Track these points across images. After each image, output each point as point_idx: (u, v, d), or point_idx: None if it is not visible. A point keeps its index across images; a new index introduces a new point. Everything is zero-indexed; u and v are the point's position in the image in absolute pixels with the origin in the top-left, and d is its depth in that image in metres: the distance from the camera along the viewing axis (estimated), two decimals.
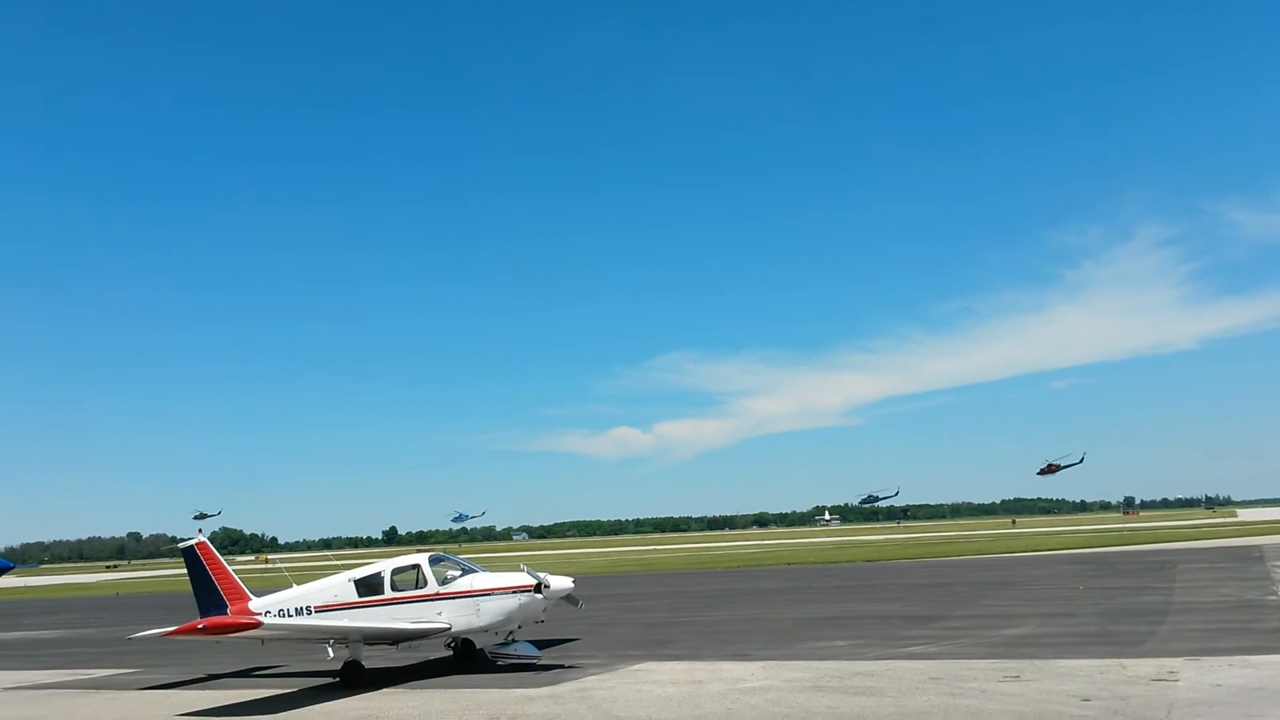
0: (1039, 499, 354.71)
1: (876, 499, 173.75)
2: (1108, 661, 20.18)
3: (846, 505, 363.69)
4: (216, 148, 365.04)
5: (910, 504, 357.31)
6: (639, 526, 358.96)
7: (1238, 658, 19.92)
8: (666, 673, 22.01)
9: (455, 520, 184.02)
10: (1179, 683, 17.41)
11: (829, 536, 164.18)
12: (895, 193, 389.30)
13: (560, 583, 24.53)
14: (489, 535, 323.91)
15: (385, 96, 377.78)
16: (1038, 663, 20.50)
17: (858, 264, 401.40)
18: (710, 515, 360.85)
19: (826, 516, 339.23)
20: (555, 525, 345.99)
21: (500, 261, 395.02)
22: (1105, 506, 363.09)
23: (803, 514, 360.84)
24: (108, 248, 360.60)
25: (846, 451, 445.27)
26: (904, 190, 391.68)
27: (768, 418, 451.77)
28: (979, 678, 18.98)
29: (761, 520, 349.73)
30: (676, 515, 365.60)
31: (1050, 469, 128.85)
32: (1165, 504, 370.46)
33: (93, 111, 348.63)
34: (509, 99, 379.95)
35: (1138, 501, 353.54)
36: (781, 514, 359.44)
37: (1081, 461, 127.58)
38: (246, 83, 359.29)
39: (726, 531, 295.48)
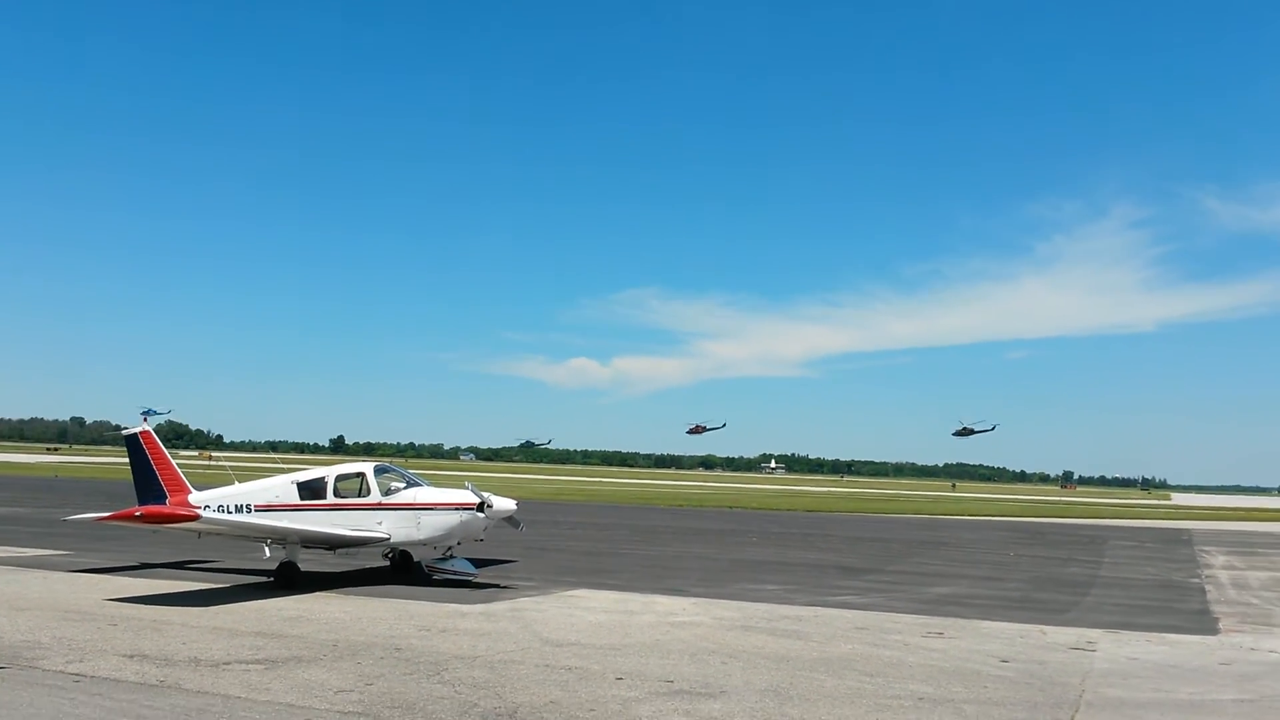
0: (980, 465, 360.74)
1: (972, 430, 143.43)
2: (1029, 627, 20.65)
3: (793, 455, 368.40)
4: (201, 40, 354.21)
5: (855, 459, 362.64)
6: (587, 458, 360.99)
7: (1155, 635, 20.46)
8: (600, 601, 22.25)
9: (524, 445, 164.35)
10: (1096, 653, 17.86)
11: (773, 484, 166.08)
12: (875, 151, 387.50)
13: (503, 504, 24.65)
14: (436, 453, 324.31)
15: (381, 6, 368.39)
16: (962, 622, 20.95)
17: (831, 218, 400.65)
18: (659, 453, 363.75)
19: (772, 465, 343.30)
20: (503, 449, 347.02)
21: (476, 181, 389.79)
22: (1044, 479, 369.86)
23: (750, 460, 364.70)
24: (85, 130, 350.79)
25: (800, 402, 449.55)
26: (883, 149, 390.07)
27: (726, 361, 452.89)
28: (904, 631, 19.37)
29: (708, 463, 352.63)
30: (625, 450, 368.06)
31: (965, 432, 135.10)
32: (1103, 481, 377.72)
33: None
34: (496, 20, 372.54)
35: (1075, 476, 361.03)
36: (729, 458, 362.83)
37: (993, 429, 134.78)
38: None
39: (673, 470, 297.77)
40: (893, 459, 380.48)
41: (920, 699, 13.49)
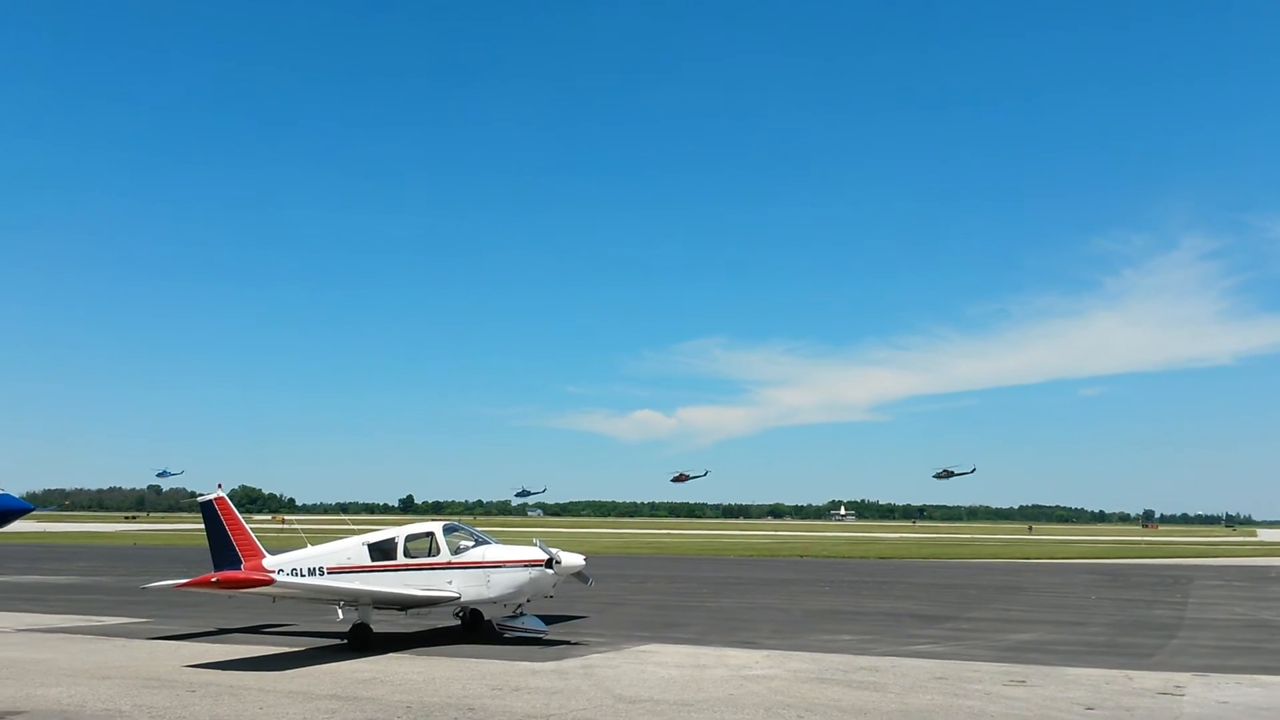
0: (1057, 506, 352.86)
1: (952, 473, 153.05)
2: (1115, 672, 20.05)
3: (863, 501, 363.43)
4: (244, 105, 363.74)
5: (927, 504, 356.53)
6: (654, 510, 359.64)
7: (1246, 676, 19.76)
8: (671, 655, 22.06)
9: (519, 496, 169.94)
10: (1185, 698, 17.28)
11: (844, 531, 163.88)
12: (936, 190, 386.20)
13: (571, 560, 24.65)
14: (504, 510, 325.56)
15: (403, 65, 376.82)
16: (1044, 669, 20.40)
17: (893, 260, 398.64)
18: (726, 503, 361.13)
19: (842, 512, 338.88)
20: (571, 504, 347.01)
21: (536, 234, 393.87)
22: (1124, 518, 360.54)
23: (819, 508, 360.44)
24: (129, 199, 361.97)
25: (868, 447, 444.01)
26: (944, 188, 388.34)
27: (791, 409, 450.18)
28: (984, 680, 18.92)
29: (777, 511, 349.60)
30: (692, 501, 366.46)
31: (945, 474, 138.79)
32: (1185, 519, 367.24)
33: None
34: (544, 71, 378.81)
35: (1157, 515, 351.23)
36: (797, 506, 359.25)
37: (973, 472, 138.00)
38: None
39: (741, 520, 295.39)
40: (965, 502, 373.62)
41: None
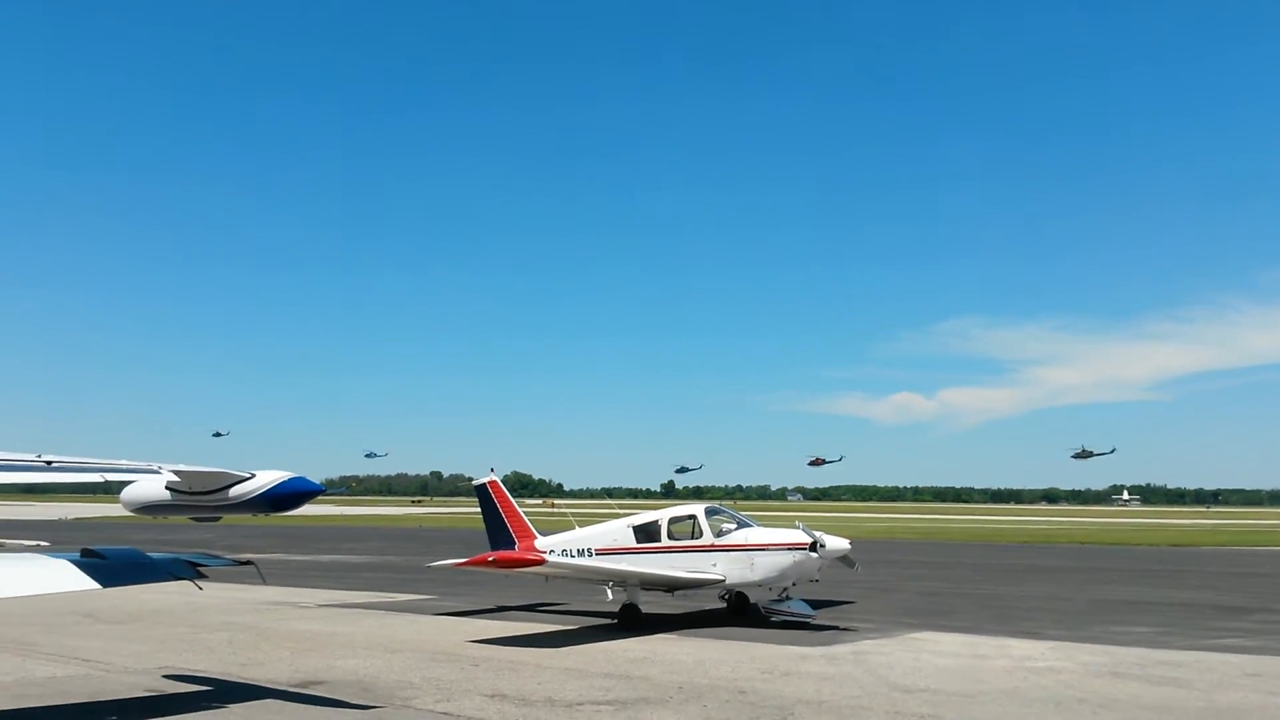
0: None
1: (1091, 453, 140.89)
2: None
3: (1147, 485, 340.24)
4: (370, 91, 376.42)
5: (1221, 488, 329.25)
6: (918, 495, 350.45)
7: None
8: (947, 644, 21.13)
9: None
10: None
11: (1127, 517, 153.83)
12: (1220, 144, 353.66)
13: (836, 543, 24.14)
14: (763, 494, 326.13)
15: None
16: None
17: (1172, 224, 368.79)
18: (995, 488, 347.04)
19: (1125, 496, 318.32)
20: (831, 488, 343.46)
21: (784, 212, 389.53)
22: None
23: (1098, 492, 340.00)
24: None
25: (1149, 428, 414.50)
26: (1230, 141, 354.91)
27: (1062, 388, 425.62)
28: None
29: (1051, 496, 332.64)
30: (958, 485, 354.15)
31: (1084, 454, 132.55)
32: None
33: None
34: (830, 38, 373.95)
35: None
36: (1074, 490, 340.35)
37: (1112, 452, 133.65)
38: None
39: (1012, 505, 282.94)
40: (1267, 485, 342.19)
41: None
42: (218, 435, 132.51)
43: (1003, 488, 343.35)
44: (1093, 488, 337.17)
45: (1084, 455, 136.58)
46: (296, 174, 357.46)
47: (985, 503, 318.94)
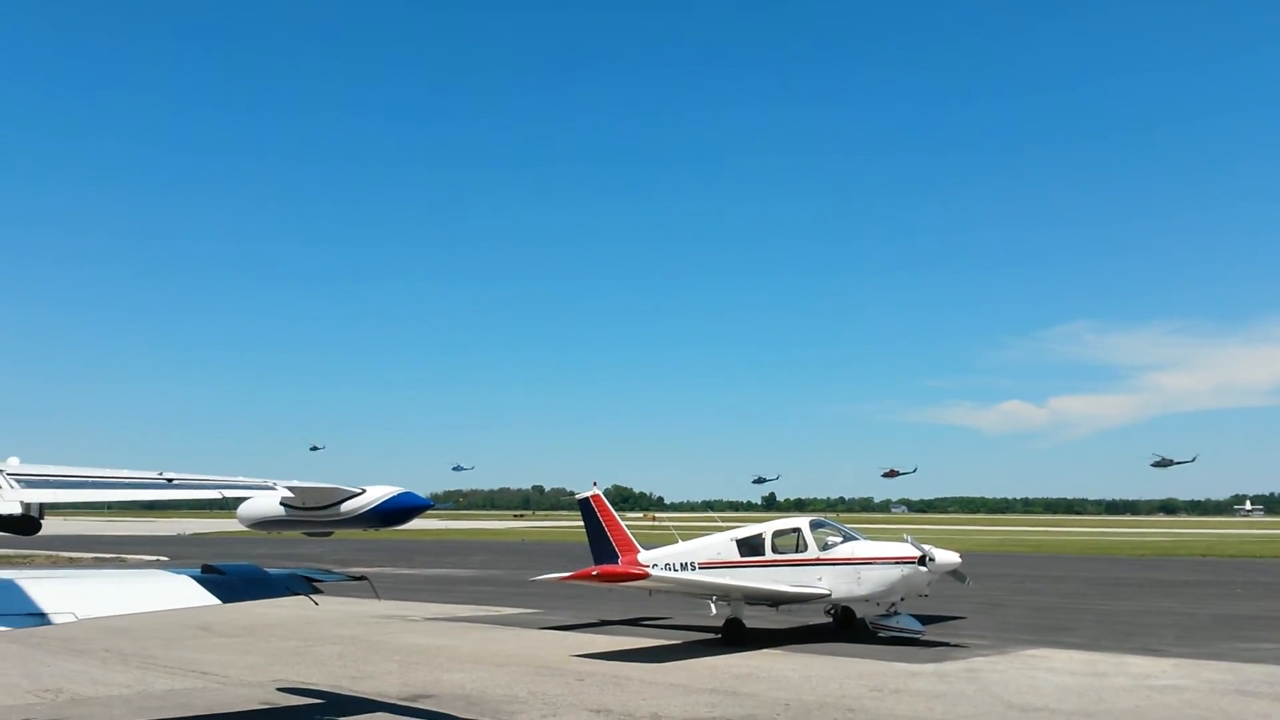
0: None
1: (1171, 461, 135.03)
2: None
3: (1272, 495, 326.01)
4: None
5: None
6: (1028, 506, 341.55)
7: None
8: (1063, 661, 20.48)
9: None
10: None
11: (1251, 529, 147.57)
12: None
13: (946, 556, 23.62)
14: (866, 506, 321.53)
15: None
16: None
17: None
18: (1110, 499, 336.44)
19: (1248, 506, 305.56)
20: (937, 500, 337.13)
21: (885, 220, 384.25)
22: None
23: (1219, 502, 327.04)
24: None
25: (1274, 434, 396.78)
26: None
27: (1180, 394, 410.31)
28: None
29: (1169, 507, 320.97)
30: (1071, 496, 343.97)
31: (1164, 463, 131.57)
32: None
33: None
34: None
35: None
36: (1194, 501, 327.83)
37: (1193, 460, 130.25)
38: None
39: (1128, 517, 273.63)
40: None
41: None
42: (315, 449, 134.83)
43: (1118, 498, 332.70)
44: (1213, 498, 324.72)
45: (1164, 464, 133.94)
46: (388, 189, 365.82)
47: (1099, 514, 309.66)
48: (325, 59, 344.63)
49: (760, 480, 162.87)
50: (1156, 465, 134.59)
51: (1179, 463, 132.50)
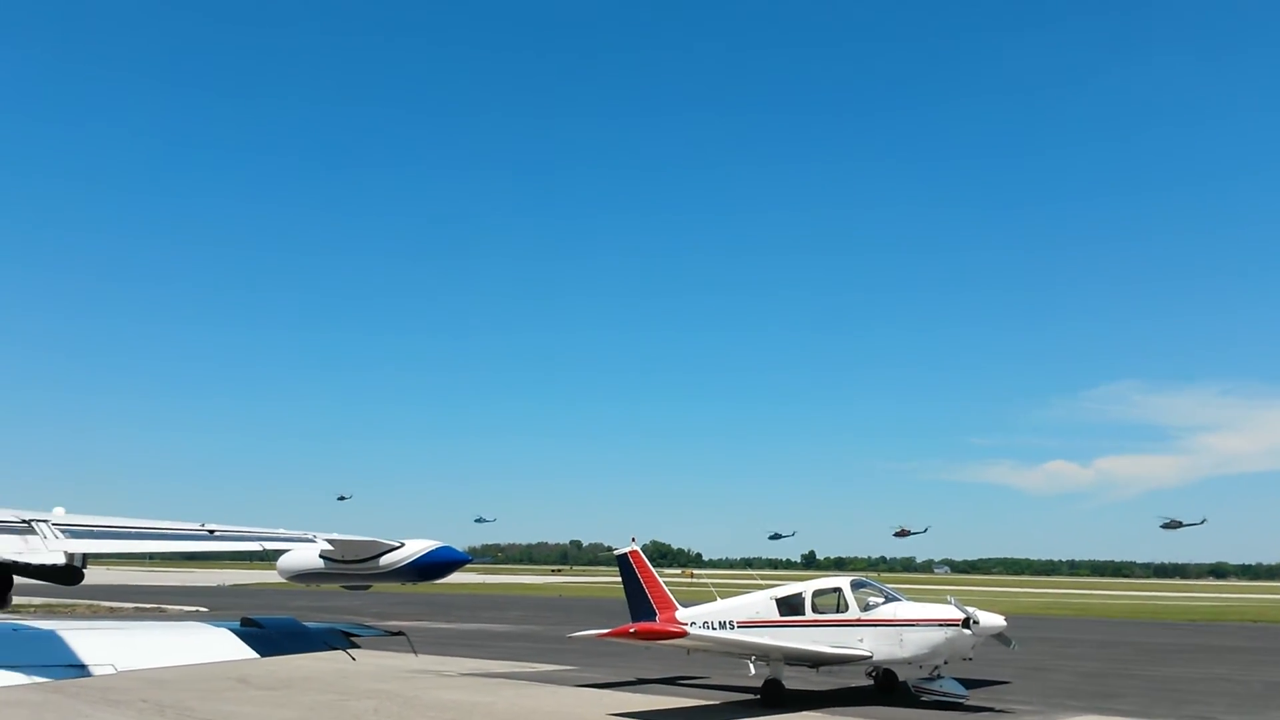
0: None
1: (1180, 523, 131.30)
2: None
3: None
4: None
5: None
6: (1074, 568, 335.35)
7: None
8: None
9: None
10: None
11: None
12: None
13: (991, 620, 23.18)
14: (908, 566, 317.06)
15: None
16: None
17: None
18: (1158, 561, 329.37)
19: None
20: (980, 560, 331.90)
21: (930, 272, 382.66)
22: None
23: (1270, 567, 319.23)
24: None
25: None
26: None
27: (1230, 456, 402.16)
28: None
29: (1219, 571, 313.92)
30: (1118, 559, 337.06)
31: (1173, 525, 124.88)
32: None
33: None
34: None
35: None
36: (1244, 565, 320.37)
37: (1202, 523, 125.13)
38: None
39: (1177, 580, 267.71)
40: None
41: None
42: (342, 499, 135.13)
43: (1167, 561, 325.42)
44: (1265, 561, 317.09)
45: (1173, 525, 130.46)
46: (402, 240, 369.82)
47: (1148, 577, 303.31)
48: (358, 111, 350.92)
49: (776, 536, 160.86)
50: (1165, 527, 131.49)
51: (1188, 525, 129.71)
